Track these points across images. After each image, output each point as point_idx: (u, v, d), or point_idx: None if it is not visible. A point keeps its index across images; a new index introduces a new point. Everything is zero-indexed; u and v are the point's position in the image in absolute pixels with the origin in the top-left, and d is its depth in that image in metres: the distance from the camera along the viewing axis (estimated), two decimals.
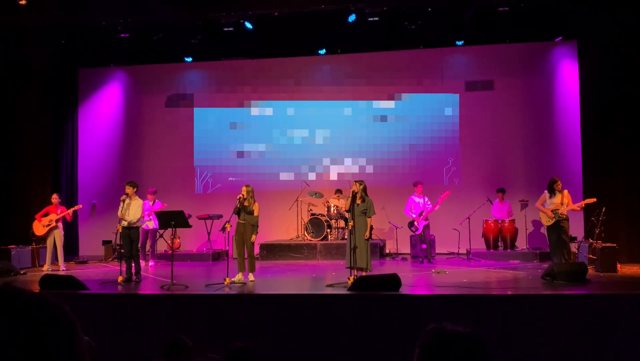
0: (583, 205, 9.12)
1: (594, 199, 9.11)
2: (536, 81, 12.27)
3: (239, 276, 8.32)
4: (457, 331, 1.38)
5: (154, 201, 11.10)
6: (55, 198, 10.57)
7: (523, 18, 11.25)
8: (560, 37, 11.99)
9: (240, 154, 13.24)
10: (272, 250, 11.59)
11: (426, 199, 10.82)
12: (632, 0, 10.33)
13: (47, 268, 10.26)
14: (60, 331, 0.98)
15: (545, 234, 9.27)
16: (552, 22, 11.59)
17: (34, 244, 11.02)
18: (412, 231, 10.99)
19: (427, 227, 10.76)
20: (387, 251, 12.14)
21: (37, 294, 1.01)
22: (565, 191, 8.92)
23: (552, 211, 8.79)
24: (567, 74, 12.04)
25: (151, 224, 10.89)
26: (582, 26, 11.31)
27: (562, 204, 8.76)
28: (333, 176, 12.91)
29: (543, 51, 12.26)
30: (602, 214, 9.41)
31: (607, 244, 9.18)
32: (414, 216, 10.82)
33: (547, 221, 8.91)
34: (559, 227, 8.75)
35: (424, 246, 10.74)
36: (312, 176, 12.93)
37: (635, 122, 10.61)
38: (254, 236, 8.54)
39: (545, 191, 9.03)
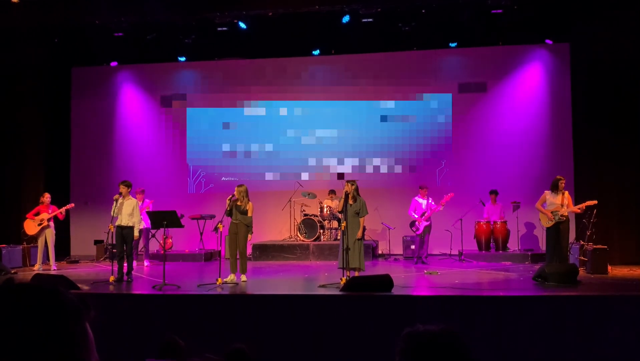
0: (584, 207, 9.05)
1: (595, 202, 8.99)
2: (529, 83, 12.33)
3: (231, 277, 8.30)
4: (430, 331, 1.38)
5: (143, 200, 11.09)
6: (46, 198, 10.50)
7: (516, 21, 11.30)
8: (552, 42, 12.04)
9: (234, 154, 13.23)
10: (265, 251, 11.58)
11: (430, 200, 10.78)
12: (623, 5, 10.41)
13: (38, 268, 10.20)
14: (55, 320, 0.99)
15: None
16: (545, 25, 11.65)
17: (24, 243, 10.96)
18: (412, 231, 10.98)
19: (428, 228, 10.73)
20: (380, 252, 12.16)
21: (33, 286, 1.03)
22: (566, 193, 8.90)
23: (552, 212, 8.77)
24: (560, 77, 12.09)
25: (142, 223, 10.85)
26: (575, 29, 11.36)
27: (562, 205, 8.73)
28: (326, 177, 12.91)
29: (536, 53, 12.32)
30: (594, 216, 9.45)
31: (598, 246, 9.22)
32: (416, 216, 10.80)
33: (546, 223, 8.87)
34: (557, 229, 8.73)
35: (423, 246, 10.69)
36: (305, 177, 12.93)
37: (627, 125, 10.68)
38: (249, 236, 8.54)
39: (546, 191, 8.98)
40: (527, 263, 10.57)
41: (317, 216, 11.95)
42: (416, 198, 10.94)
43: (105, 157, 13.40)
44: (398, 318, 6.30)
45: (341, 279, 7.74)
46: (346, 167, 12.82)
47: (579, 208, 8.96)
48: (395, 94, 12.72)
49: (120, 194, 8.87)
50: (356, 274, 8.00)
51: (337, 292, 7.08)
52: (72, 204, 11.07)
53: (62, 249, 12.43)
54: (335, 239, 11.64)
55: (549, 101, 12.22)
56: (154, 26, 11.78)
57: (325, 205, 11.96)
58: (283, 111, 13.13)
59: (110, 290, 7.98)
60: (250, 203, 8.56)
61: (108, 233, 8.71)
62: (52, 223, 10.46)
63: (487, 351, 5.91)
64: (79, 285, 7.59)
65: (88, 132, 13.47)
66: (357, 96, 12.84)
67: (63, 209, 10.61)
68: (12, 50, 11.83)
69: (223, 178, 13.14)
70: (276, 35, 12.00)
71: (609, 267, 9.13)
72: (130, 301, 7.30)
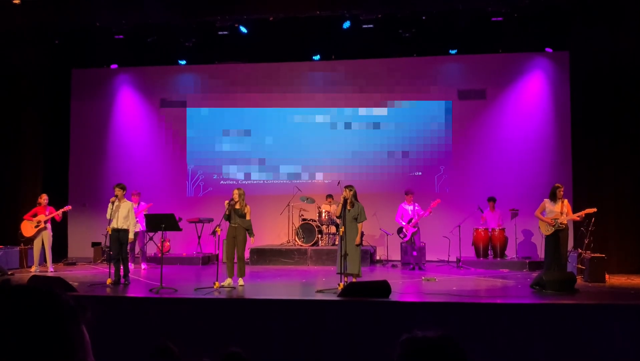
0: (583, 215, 9.02)
1: (595, 209, 8.96)
2: (528, 91, 12.35)
3: (228, 281, 8.27)
4: (428, 337, 1.38)
5: (138, 202, 11.09)
6: (43, 199, 10.47)
7: (516, 29, 11.34)
8: (551, 50, 12.07)
9: (233, 157, 13.22)
10: (263, 255, 11.55)
11: (416, 206, 10.87)
12: (622, 14, 10.46)
13: (35, 269, 10.16)
14: (51, 322, 0.99)
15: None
16: (545, 33, 11.69)
17: (22, 245, 10.92)
18: (400, 237, 11.03)
19: (415, 234, 10.79)
20: (378, 257, 12.14)
21: (30, 287, 1.03)
22: (565, 201, 8.89)
23: (552, 219, 8.76)
24: (559, 85, 12.12)
25: (138, 226, 10.82)
26: (574, 37, 11.40)
27: (561, 213, 8.72)
28: (325, 182, 12.90)
29: (535, 61, 12.35)
30: (592, 224, 9.44)
31: (596, 255, 9.22)
32: (403, 223, 10.86)
33: (546, 230, 8.85)
34: (556, 237, 8.72)
35: (415, 253, 10.78)
36: (304, 181, 12.92)
37: (625, 133, 10.71)
38: (252, 239, 8.55)
39: (545, 200, 8.96)
40: (524, 270, 10.56)
41: (315, 220, 11.94)
42: (402, 205, 10.98)
43: (104, 160, 13.39)
44: (395, 324, 6.28)
45: (339, 284, 7.73)
46: (345, 172, 12.79)
47: (578, 216, 8.95)
48: (395, 100, 12.74)
49: (116, 196, 8.86)
50: (353, 280, 7.98)
51: (334, 297, 7.07)
52: (70, 207, 11.05)
53: (60, 251, 12.39)
54: (334, 244, 11.62)
55: (548, 109, 12.25)
56: (154, 29, 11.80)
57: (323, 210, 11.95)
58: (282, 115, 13.13)
59: (107, 293, 7.96)
60: (247, 206, 8.56)
61: (106, 235, 8.69)
62: (49, 225, 10.40)
63: (483, 358, 5.89)
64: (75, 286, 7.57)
65: (87, 134, 13.45)
66: (357, 101, 12.85)
67: (60, 211, 10.57)
68: (13, 51, 11.84)
69: (222, 182, 13.14)
70: (276, 40, 12.01)
71: (607, 275, 9.13)
72: (127, 304, 7.28)
